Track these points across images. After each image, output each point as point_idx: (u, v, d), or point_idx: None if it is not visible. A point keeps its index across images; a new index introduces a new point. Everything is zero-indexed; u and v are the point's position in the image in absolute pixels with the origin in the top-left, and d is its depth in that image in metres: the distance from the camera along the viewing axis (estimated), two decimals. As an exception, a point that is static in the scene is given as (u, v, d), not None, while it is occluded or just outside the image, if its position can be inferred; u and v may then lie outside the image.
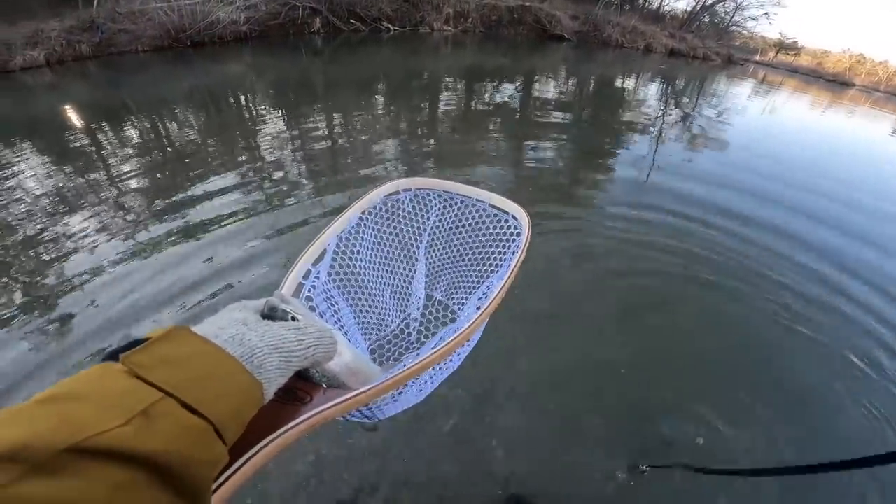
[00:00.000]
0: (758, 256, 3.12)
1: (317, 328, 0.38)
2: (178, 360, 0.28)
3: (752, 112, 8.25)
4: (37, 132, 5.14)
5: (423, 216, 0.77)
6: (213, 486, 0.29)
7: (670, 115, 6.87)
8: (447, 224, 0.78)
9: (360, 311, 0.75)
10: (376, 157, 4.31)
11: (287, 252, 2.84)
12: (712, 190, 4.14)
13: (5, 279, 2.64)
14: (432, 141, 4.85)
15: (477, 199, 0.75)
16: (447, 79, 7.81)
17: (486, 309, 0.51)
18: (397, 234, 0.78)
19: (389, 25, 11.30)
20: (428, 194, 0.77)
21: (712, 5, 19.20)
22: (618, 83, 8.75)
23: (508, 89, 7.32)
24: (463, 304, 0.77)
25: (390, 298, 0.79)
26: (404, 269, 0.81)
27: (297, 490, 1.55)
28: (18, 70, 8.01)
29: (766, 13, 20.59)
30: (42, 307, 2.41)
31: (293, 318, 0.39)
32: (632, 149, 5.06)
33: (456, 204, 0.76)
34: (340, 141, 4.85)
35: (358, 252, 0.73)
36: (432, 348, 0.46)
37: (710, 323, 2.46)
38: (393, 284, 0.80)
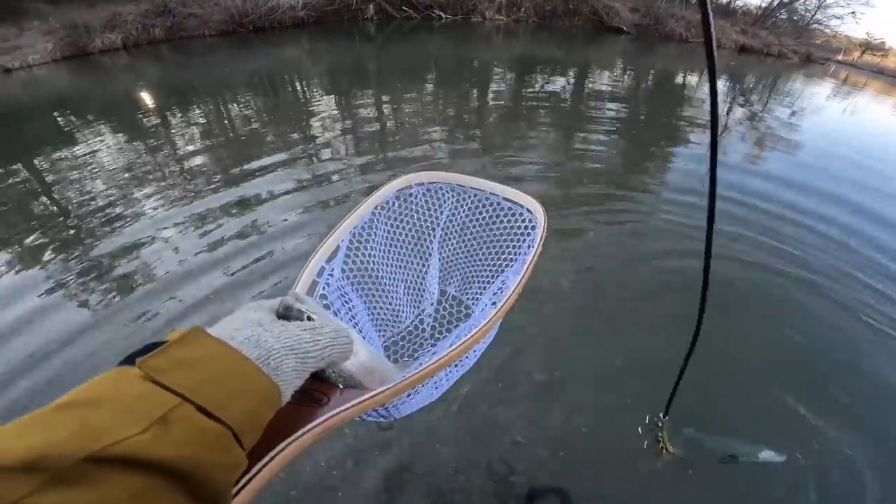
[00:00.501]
0: (826, 258, 2.84)
1: (332, 328, 0.38)
2: (195, 364, 0.28)
3: (829, 113, 7.52)
4: (113, 111, 5.58)
5: (436, 210, 0.76)
6: (233, 491, 0.28)
7: (737, 112, 6.39)
8: (460, 218, 0.77)
9: (374, 307, 0.74)
10: (423, 141, 4.32)
11: (329, 223, 2.92)
12: (777, 188, 3.82)
13: (74, 241, 2.90)
14: (479, 129, 4.79)
15: (491, 193, 0.73)
16: (497, 68, 7.68)
17: (502, 306, 0.50)
18: (410, 229, 0.77)
19: (441, 13, 11.25)
20: (441, 188, 0.75)
21: (791, 2, 17.68)
22: (679, 78, 8.24)
23: (560, 81, 7.08)
24: (477, 299, 0.75)
25: (404, 294, 0.78)
26: (418, 264, 0.79)
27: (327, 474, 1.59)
28: (97, 52, 8.72)
29: (853, 12, 18.83)
30: (104, 268, 2.62)
31: (309, 318, 0.38)
32: (691, 145, 4.75)
33: (469, 198, 0.75)
34: (389, 125, 4.91)
35: (371, 248, 0.72)
36: (449, 346, 0.45)
37: (780, 324, 2.27)
38: (406, 280, 0.79)
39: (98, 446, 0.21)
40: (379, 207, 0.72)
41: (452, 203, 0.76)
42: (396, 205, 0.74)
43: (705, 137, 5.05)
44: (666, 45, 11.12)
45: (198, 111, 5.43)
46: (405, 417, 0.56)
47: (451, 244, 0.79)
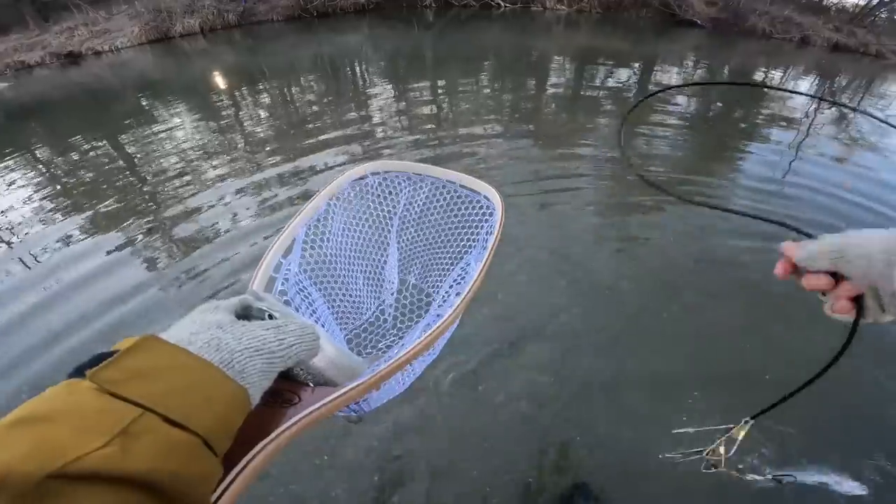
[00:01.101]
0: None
1: (298, 325, 0.36)
2: (153, 373, 0.26)
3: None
4: (190, 92, 5.97)
5: (392, 200, 0.75)
6: (212, 500, 0.28)
7: (823, 113, 5.76)
8: (417, 207, 0.75)
9: (334, 300, 0.73)
10: (477, 131, 4.26)
11: None
12: (855, 197, 3.42)
13: (144, 206, 3.14)
14: (534, 122, 4.65)
15: (447, 181, 0.72)
16: (557, 59, 7.41)
17: (466, 295, 0.50)
18: (367, 220, 0.76)
19: (500, 2, 11.00)
20: (396, 177, 0.74)
21: (893, 1, 15.67)
22: (760, 75, 7.55)
23: (625, 74, 6.71)
24: (438, 286, 0.74)
25: (364, 285, 0.77)
26: (376, 254, 0.78)
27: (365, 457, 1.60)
28: (178, 36, 9.34)
29: (965, 11, 16.36)
30: (170, 231, 2.84)
31: (270, 317, 0.37)
32: (769, 145, 4.34)
33: (426, 186, 0.73)
34: (443, 112, 4.88)
35: (328, 240, 0.71)
36: (416, 338, 0.45)
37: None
38: (366, 271, 0.78)
39: (60, 463, 0.20)
40: (334, 198, 0.70)
41: (409, 192, 0.74)
42: (352, 195, 0.73)
43: (786, 136, 4.60)
44: (746, 40, 10.24)
45: (265, 94, 5.69)
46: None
47: (409, 233, 0.78)
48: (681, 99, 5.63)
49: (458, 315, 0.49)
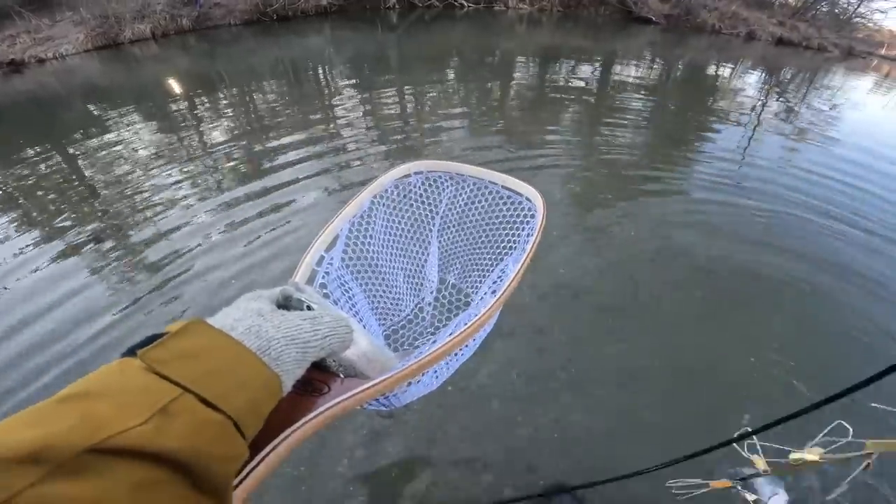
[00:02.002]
0: (865, 261, 2.68)
1: (332, 317, 0.37)
2: (196, 355, 0.28)
3: (871, 108, 7.11)
4: (144, 99, 5.70)
5: (434, 199, 0.76)
6: (235, 482, 0.29)
7: (771, 105, 6.11)
8: (459, 207, 0.76)
9: (374, 296, 0.74)
10: (444, 131, 4.27)
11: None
12: (812, 184, 3.65)
13: (107, 219, 2.98)
14: (502, 119, 4.71)
15: (490, 182, 0.72)
16: (521, 58, 7.53)
17: (502, 294, 0.50)
18: (409, 218, 0.77)
19: (464, 2, 11.08)
20: (439, 177, 0.75)
21: (832, -5, 16.79)
22: (711, 70, 7.92)
23: (586, 71, 6.90)
24: (477, 287, 0.75)
25: (404, 283, 0.78)
26: (417, 253, 0.79)
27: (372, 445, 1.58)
28: (128, 43, 8.91)
29: (899, 5, 17.72)
30: (129, 247, 2.69)
31: (308, 308, 0.38)
32: (723, 138, 4.57)
33: (468, 186, 0.75)
34: (410, 113, 4.87)
35: (370, 237, 0.72)
36: (449, 335, 0.45)
37: (803, 328, 2.16)
38: (406, 269, 0.79)
39: (100, 437, 0.21)
40: (377, 196, 0.72)
41: (451, 192, 0.75)
42: (395, 194, 0.74)
43: (737, 130, 4.85)
44: (697, 36, 10.71)
45: (224, 99, 5.50)
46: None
47: (450, 233, 0.79)
48: (638, 97, 5.83)
49: (493, 314, 0.49)
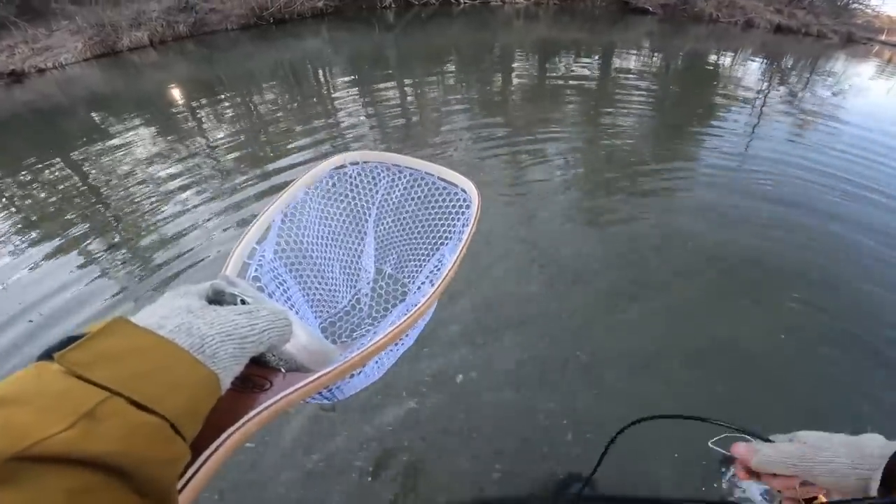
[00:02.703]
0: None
1: (270, 310, 0.36)
2: (122, 356, 0.26)
3: (874, 95, 7.06)
4: (146, 106, 5.71)
5: (370, 190, 0.76)
6: (180, 484, 0.28)
7: (775, 92, 6.07)
8: (396, 198, 0.76)
9: (310, 288, 0.73)
10: (446, 127, 4.26)
11: None
12: (817, 172, 3.61)
13: (115, 223, 2.99)
14: (503, 112, 4.70)
15: (426, 173, 0.73)
16: (520, 52, 7.51)
17: (439, 285, 0.50)
18: (345, 209, 0.76)
19: None
20: (375, 167, 0.75)
21: (829, -18, 16.63)
22: (711, 59, 7.87)
23: (585, 63, 6.87)
24: (414, 276, 0.75)
25: (340, 274, 0.78)
26: (353, 244, 0.79)
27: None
28: (126, 50, 8.92)
29: (897, -9, 17.60)
30: (138, 251, 2.69)
31: (242, 301, 0.37)
32: (726, 126, 4.54)
33: (404, 177, 0.74)
34: (411, 110, 4.86)
35: (305, 228, 0.71)
36: (389, 326, 0.46)
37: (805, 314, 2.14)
38: (342, 260, 0.78)
39: (22, 445, 0.20)
40: (312, 187, 0.71)
41: (387, 182, 0.75)
42: (330, 184, 0.73)
43: (741, 118, 4.82)
44: (696, 25, 10.66)
45: (225, 103, 5.51)
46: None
47: (386, 223, 0.79)
48: (640, 87, 5.80)
49: (431, 305, 0.50)
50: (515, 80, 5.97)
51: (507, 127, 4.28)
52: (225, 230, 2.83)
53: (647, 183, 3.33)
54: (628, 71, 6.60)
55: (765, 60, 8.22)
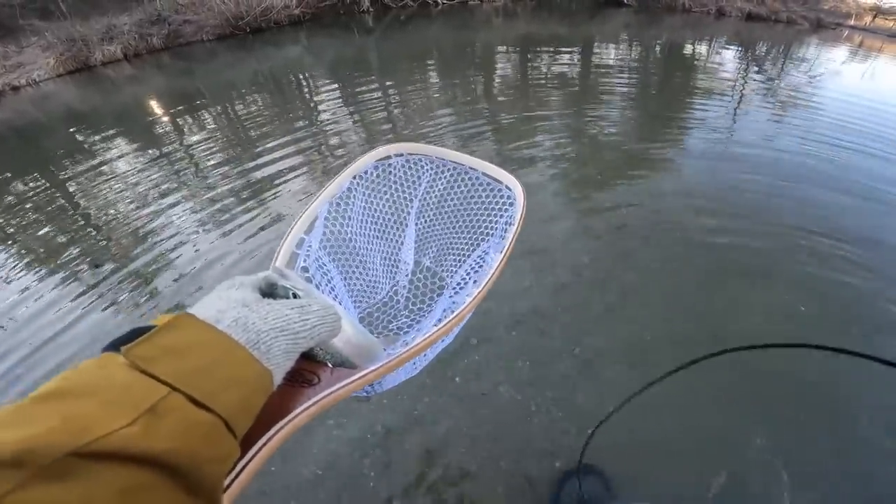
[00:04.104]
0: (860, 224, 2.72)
1: (320, 304, 0.36)
2: (183, 351, 0.26)
3: (848, 78, 7.24)
4: (124, 120, 5.59)
5: (414, 182, 0.76)
6: (227, 481, 0.28)
7: (752, 80, 6.19)
8: (438, 191, 0.76)
9: (351, 278, 0.74)
10: (431, 127, 4.26)
11: None
12: (800, 155, 3.70)
13: (101, 239, 2.91)
14: (486, 108, 4.72)
15: (470, 168, 0.72)
16: (500, 50, 7.55)
17: (485, 284, 0.51)
18: (388, 200, 0.77)
19: None
20: (420, 160, 0.75)
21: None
22: (688, 49, 8.01)
23: (566, 58, 6.93)
24: (453, 271, 0.76)
25: (381, 265, 0.78)
26: (394, 235, 0.79)
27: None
28: (99, 65, 8.72)
29: (861, -24, 18.10)
30: (127, 270, 2.63)
31: (294, 295, 0.37)
32: (708, 113, 4.62)
33: (448, 171, 0.74)
34: (396, 113, 4.85)
35: (349, 218, 0.72)
36: (434, 325, 0.45)
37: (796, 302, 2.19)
38: (383, 251, 0.79)
39: (86, 439, 0.20)
40: (357, 177, 0.71)
41: (431, 175, 0.75)
42: (375, 175, 0.73)
43: (721, 105, 4.90)
44: (670, 16, 10.82)
45: (206, 114, 5.42)
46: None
47: (428, 216, 0.79)
48: (621, 79, 5.88)
49: (476, 304, 0.50)
50: (498, 78, 6.00)
51: (492, 123, 4.29)
52: (212, 242, 2.79)
53: (633, 174, 3.37)
54: (609, 63, 6.68)
55: (740, 48, 8.39)
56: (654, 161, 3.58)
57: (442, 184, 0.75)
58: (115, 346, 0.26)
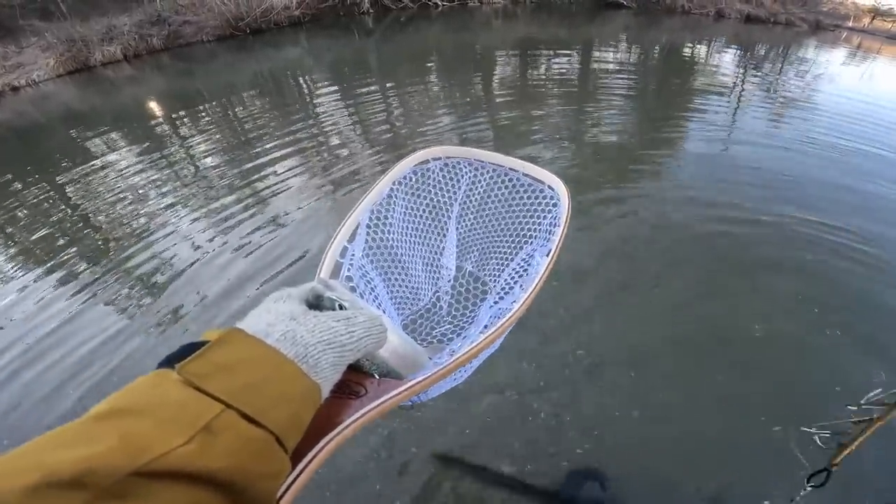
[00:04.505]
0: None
1: (366, 316, 0.36)
2: (236, 368, 0.27)
3: (847, 79, 7.26)
4: (124, 121, 5.59)
5: (453, 185, 0.74)
6: (278, 495, 0.28)
7: (751, 81, 6.21)
8: (478, 194, 0.75)
9: (394, 286, 0.73)
10: (432, 129, 4.26)
11: (342, 213, 2.96)
12: (800, 154, 3.70)
13: (100, 242, 2.91)
14: (488, 113, 4.71)
15: (510, 169, 0.70)
16: (500, 52, 7.56)
17: (533, 290, 0.49)
18: (428, 205, 0.75)
19: (438, 1, 11.07)
20: (458, 163, 0.73)
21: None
22: (687, 50, 8.03)
23: (565, 60, 6.94)
24: (496, 275, 0.74)
25: (423, 271, 0.77)
26: (435, 240, 0.78)
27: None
28: (99, 65, 8.71)
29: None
30: (128, 270, 2.63)
31: (340, 307, 0.37)
32: (707, 115, 4.63)
33: (487, 173, 0.73)
34: (396, 115, 4.85)
35: (390, 225, 0.70)
36: (482, 331, 0.45)
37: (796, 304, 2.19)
38: (425, 257, 0.77)
39: (145, 459, 0.20)
40: (397, 183, 0.70)
41: (470, 178, 0.73)
42: (414, 180, 0.72)
43: (720, 107, 4.91)
44: (669, 17, 10.86)
45: (206, 115, 5.42)
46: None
47: (469, 220, 0.77)
48: (620, 81, 5.89)
49: (525, 310, 0.48)
50: (497, 79, 6.01)
51: (492, 126, 4.30)
52: (210, 241, 2.79)
53: (633, 174, 3.37)
54: (608, 65, 6.69)
55: (739, 49, 8.42)
56: (654, 161, 3.58)
57: (482, 186, 0.73)
58: (168, 361, 0.26)
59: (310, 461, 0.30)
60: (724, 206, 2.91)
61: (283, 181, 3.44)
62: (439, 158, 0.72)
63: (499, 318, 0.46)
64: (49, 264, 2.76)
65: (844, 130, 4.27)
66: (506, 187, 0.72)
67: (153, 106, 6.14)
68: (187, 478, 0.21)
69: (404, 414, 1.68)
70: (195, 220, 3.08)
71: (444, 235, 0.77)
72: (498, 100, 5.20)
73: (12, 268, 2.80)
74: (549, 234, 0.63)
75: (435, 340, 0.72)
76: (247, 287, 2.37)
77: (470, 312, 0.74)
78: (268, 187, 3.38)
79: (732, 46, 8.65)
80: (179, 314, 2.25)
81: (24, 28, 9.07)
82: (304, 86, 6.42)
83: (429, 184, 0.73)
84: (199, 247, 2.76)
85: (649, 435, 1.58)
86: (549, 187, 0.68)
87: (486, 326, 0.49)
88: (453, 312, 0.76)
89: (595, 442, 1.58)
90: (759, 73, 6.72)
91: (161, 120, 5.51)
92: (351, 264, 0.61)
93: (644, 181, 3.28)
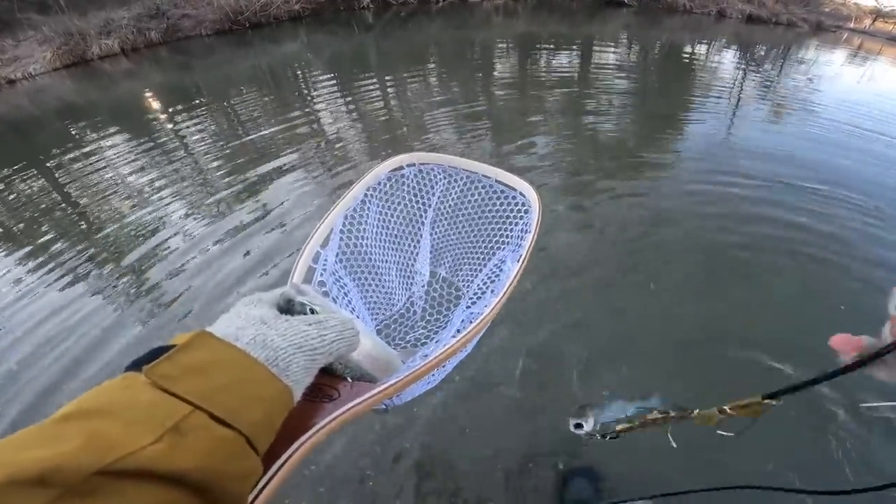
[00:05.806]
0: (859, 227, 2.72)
1: (338, 319, 0.36)
2: (205, 370, 0.27)
3: (847, 79, 7.25)
4: (121, 115, 5.56)
5: (427, 192, 0.75)
6: (250, 498, 0.28)
7: (751, 80, 6.20)
8: (452, 200, 0.76)
9: (367, 291, 0.74)
10: (430, 125, 4.24)
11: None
12: (801, 152, 3.70)
13: (94, 233, 2.90)
14: (486, 107, 4.71)
15: (483, 175, 0.71)
16: (500, 48, 7.54)
17: (504, 293, 0.50)
18: (402, 211, 0.76)
19: (438, -2, 11.03)
20: (432, 169, 0.74)
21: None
22: (687, 49, 8.01)
23: (565, 57, 6.93)
24: (469, 281, 0.75)
25: (396, 277, 0.78)
26: (409, 246, 0.79)
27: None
28: (96, 59, 8.67)
29: (863, -20, 18.16)
30: (124, 266, 2.61)
31: (312, 311, 0.37)
32: (707, 115, 4.61)
33: (461, 179, 0.73)
34: (395, 111, 4.83)
35: (364, 230, 0.71)
36: (454, 334, 0.46)
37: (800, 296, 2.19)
38: (398, 262, 0.78)
39: (111, 458, 0.20)
40: (371, 189, 0.70)
41: (444, 184, 0.74)
42: (388, 186, 0.72)
43: (720, 103, 4.91)
44: (670, 17, 10.83)
45: (204, 110, 5.39)
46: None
47: (442, 226, 0.78)
48: (620, 79, 5.87)
49: (495, 314, 0.49)
50: (497, 76, 5.99)
51: (492, 122, 4.29)
52: (198, 235, 2.77)
53: (633, 172, 3.37)
54: (608, 63, 6.67)
55: (739, 49, 8.40)
56: (655, 160, 3.57)
57: (455, 193, 0.74)
58: (136, 365, 0.26)
59: (283, 464, 0.30)
60: (721, 207, 2.91)
61: (280, 177, 3.42)
62: (413, 165, 0.73)
63: (471, 321, 0.46)
64: (41, 258, 2.75)
65: (844, 130, 4.26)
66: (479, 194, 0.73)
67: (150, 100, 6.12)
68: (156, 477, 0.21)
69: (400, 411, 1.67)
70: (189, 214, 3.06)
71: (418, 241, 0.78)
72: (497, 97, 5.19)
73: (4, 260, 2.79)
74: (521, 239, 0.64)
75: (409, 345, 0.72)
76: (246, 281, 2.36)
77: (444, 317, 0.74)
78: (264, 183, 3.37)
79: (733, 46, 8.63)
80: (171, 311, 2.24)
81: (22, 21, 9.01)
82: (303, 81, 6.39)
83: (403, 190, 0.74)
84: (193, 242, 2.75)
85: (650, 434, 1.58)
86: (521, 194, 0.69)
87: (458, 330, 0.50)
88: (427, 317, 0.76)
89: (595, 442, 1.57)
90: (759, 74, 6.71)
91: (158, 114, 5.48)
92: (324, 269, 0.61)
93: (641, 178, 3.27)
